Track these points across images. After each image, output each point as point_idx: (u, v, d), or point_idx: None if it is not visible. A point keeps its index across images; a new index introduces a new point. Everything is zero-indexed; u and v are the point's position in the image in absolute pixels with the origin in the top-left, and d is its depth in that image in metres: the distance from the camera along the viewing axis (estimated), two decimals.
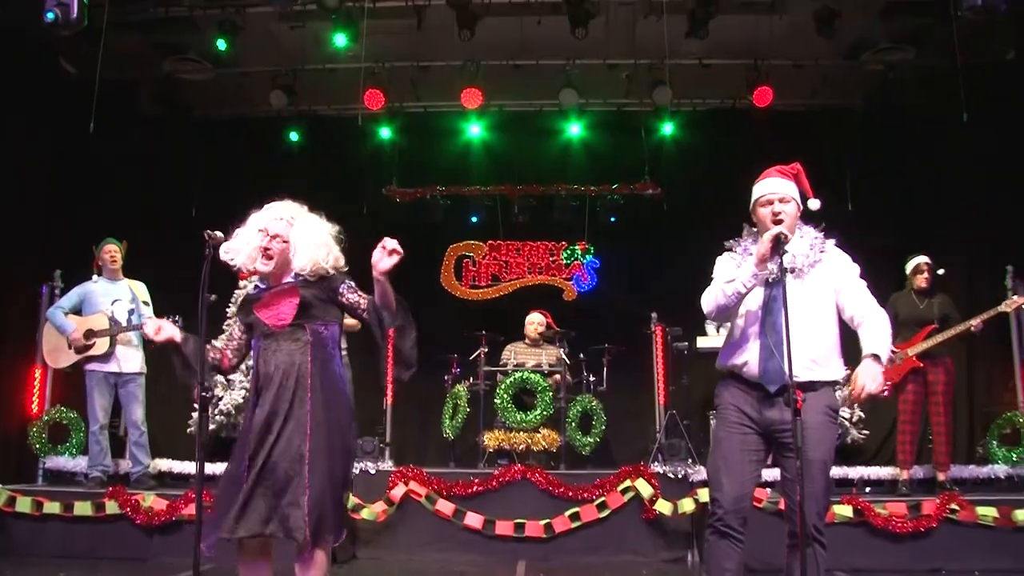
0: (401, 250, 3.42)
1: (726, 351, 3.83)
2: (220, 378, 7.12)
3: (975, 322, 6.79)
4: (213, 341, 3.89)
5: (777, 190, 3.75)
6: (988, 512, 6.35)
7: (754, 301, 3.70)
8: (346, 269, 3.81)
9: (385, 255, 3.42)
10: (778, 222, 3.69)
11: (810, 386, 3.59)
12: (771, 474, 6.03)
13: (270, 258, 3.71)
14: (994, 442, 7.25)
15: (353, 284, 3.75)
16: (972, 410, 8.42)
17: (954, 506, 6.37)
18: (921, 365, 6.84)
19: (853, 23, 8.11)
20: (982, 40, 7.80)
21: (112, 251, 7.11)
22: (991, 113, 7.94)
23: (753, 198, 3.84)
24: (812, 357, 3.62)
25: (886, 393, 3.34)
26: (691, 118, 9.41)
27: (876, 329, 3.61)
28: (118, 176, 8.78)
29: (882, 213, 8.97)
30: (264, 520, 3.45)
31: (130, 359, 6.99)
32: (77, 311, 7.00)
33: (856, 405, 7.43)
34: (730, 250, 3.91)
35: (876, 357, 3.50)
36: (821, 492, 3.58)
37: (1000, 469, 7.17)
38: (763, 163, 7.65)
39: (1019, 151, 7.99)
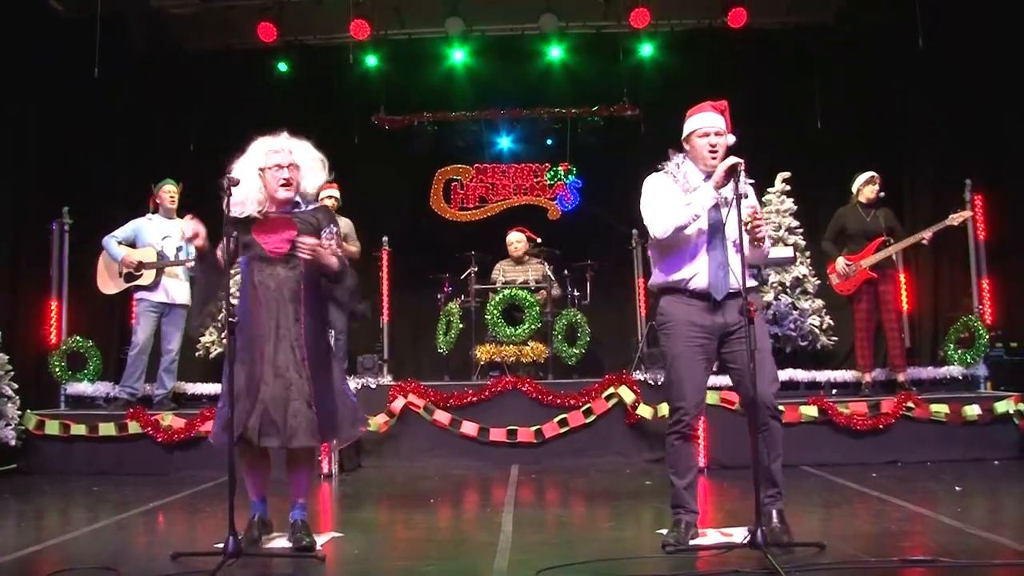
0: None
1: (667, 268, 4.17)
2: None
3: (927, 234, 7.15)
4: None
5: (714, 124, 4.13)
6: (940, 409, 6.91)
7: (701, 221, 4.07)
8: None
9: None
10: (714, 154, 4.08)
11: (750, 291, 4.01)
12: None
13: (291, 185, 4.12)
14: (951, 345, 7.66)
15: (335, 231, 4.18)
16: (936, 316, 8.87)
17: (910, 404, 6.92)
18: (875, 276, 7.18)
19: None
20: None
21: (170, 191, 7.42)
22: (956, 31, 8.20)
23: (689, 128, 4.19)
24: (748, 269, 4.05)
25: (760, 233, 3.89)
26: (668, 39, 9.54)
27: None
28: (116, 113, 8.97)
29: (850, 130, 9.25)
30: (278, 432, 3.90)
31: (178, 290, 7.35)
32: (131, 243, 7.34)
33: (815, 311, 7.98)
34: (661, 170, 4.23)
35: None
36: (774, 374, 4.10)
37: (956, 370, 7.62)
38: (738, 82, 7.93)
39: (979, 69, 8.27)
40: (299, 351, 3.98)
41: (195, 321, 4.17)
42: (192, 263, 7.00)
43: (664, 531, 4.17)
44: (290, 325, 4.00)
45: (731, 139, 4.17)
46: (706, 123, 4.13)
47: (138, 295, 7.37)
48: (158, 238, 7.34)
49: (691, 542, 4.02)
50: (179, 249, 7.34)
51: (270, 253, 4.05)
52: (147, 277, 7.29)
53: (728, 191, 4.03)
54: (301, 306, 4.03)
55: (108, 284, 7.48)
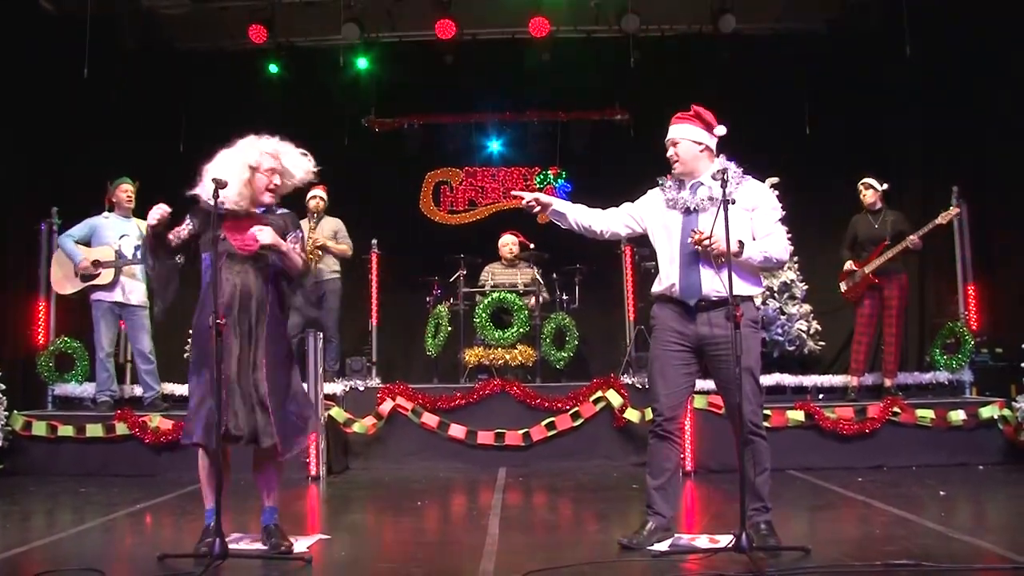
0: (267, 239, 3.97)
1: (657, 281, 4.29)
2: None
3: (913, 238, 7.18)
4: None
5: (672, 135, 4.26)
6: (926, 414, 6.96)
7: (676, 230, 4.16)
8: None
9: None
10: (674, 163, 4.22)
11: (737, 300, 3.96)
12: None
13: (276, 192, 4.17)
14: (937, 350, 7.69)
15: (300, 235, 4.26)
16: (922, 322, 8.92)
17: (896, 409, 6.96)
18: (877, 281, 7.22)
19: None
20: None
21: (127, 190, 7.35)
22: (944, 40, 8.26)
23: None
24: (746, 275, 4.10)
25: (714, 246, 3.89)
26: (659, 44, 9.56)
27: (765, 241, 4.12)
28: (106, 113, 8.93)
29: (839, 136, 9.30)
30: (242, 433, 3.90)
31: (135, 291, 7.26)
32: (86, 242, 7.26)
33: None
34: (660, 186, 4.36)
35: (741, 243, 3.97)
36: (752, 394, 4.05)
37: (942, 375, 7.66)
38: (728, 88, 7.95)
39: (968, 76, 8.33)
40: (261, 351, 3.99)
41: (164, 302, 4.14)
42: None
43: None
44: (253, 324, 4.00)
45: (721, 130, 4.22)
46: (668, 136, 4.27)
47: (95, 295, 7.25)
48: (115, 237, 7.26)
49: (655, 545, 4.05)
50: (137, 248, 7.23)
51: (239, 251, 4.03)
52: (105, 276, 7.20)
53: (696, 198, 4.13)
54: (266, 306, 4.04)
55: (64, 284, 7.38)
